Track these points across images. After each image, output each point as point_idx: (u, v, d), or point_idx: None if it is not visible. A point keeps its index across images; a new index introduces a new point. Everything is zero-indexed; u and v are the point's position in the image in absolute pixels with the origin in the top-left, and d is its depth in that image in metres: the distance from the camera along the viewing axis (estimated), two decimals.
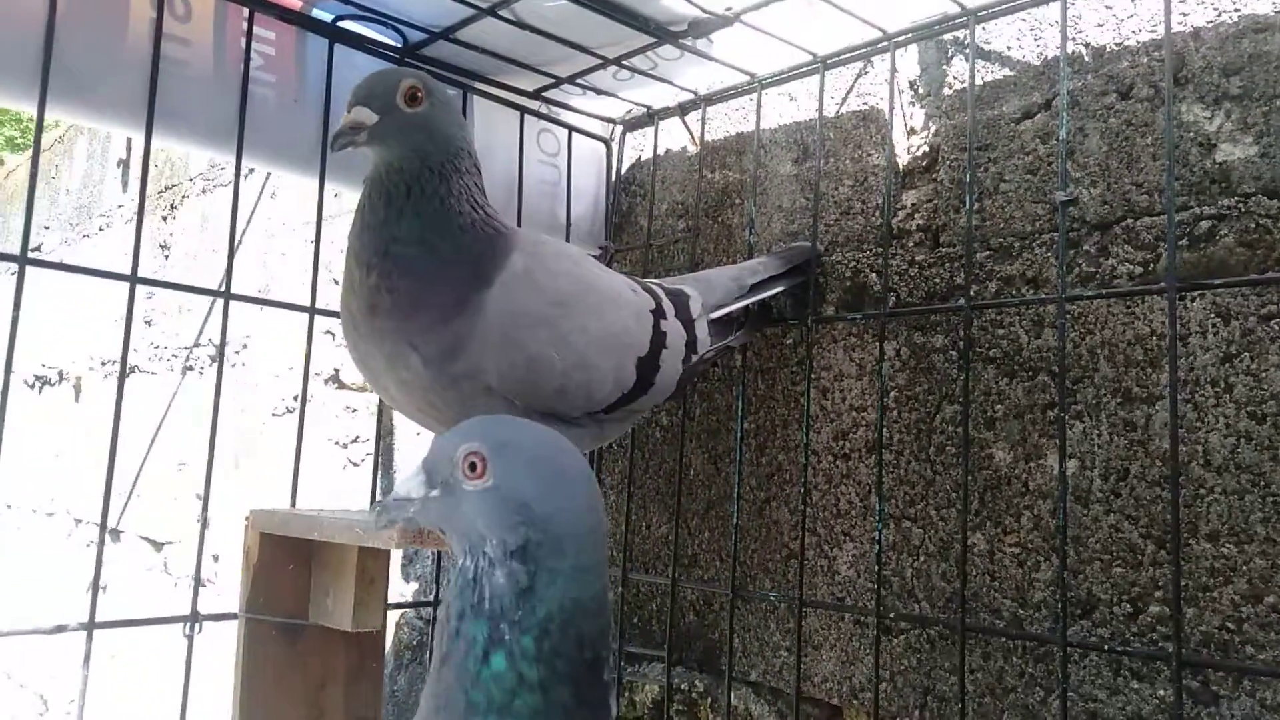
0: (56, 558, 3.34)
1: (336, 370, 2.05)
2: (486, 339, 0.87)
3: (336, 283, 1.08)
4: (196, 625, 1.04)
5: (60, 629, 0.95)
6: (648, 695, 1.40)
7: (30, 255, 0.93)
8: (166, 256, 3.04)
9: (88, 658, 0.95)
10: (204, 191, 2.86)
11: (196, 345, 2.77)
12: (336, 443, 2.03)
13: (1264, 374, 0.92)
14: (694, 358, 1.10)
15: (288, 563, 1.09)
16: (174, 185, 3.04)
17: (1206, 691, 0.92)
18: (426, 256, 0.87)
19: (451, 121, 0.92)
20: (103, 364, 3.29)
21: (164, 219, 3.06)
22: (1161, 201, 1.00)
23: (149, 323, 3.05)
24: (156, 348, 2.97)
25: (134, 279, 1.02)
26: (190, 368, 2.78)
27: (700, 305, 1.14)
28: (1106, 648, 0.97)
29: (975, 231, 1.14)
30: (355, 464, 1.97)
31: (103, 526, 1.03)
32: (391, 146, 0.88)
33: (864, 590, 1.18)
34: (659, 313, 1.05)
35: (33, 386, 3.81)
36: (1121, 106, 1.05)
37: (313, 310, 1.18)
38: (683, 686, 1.36)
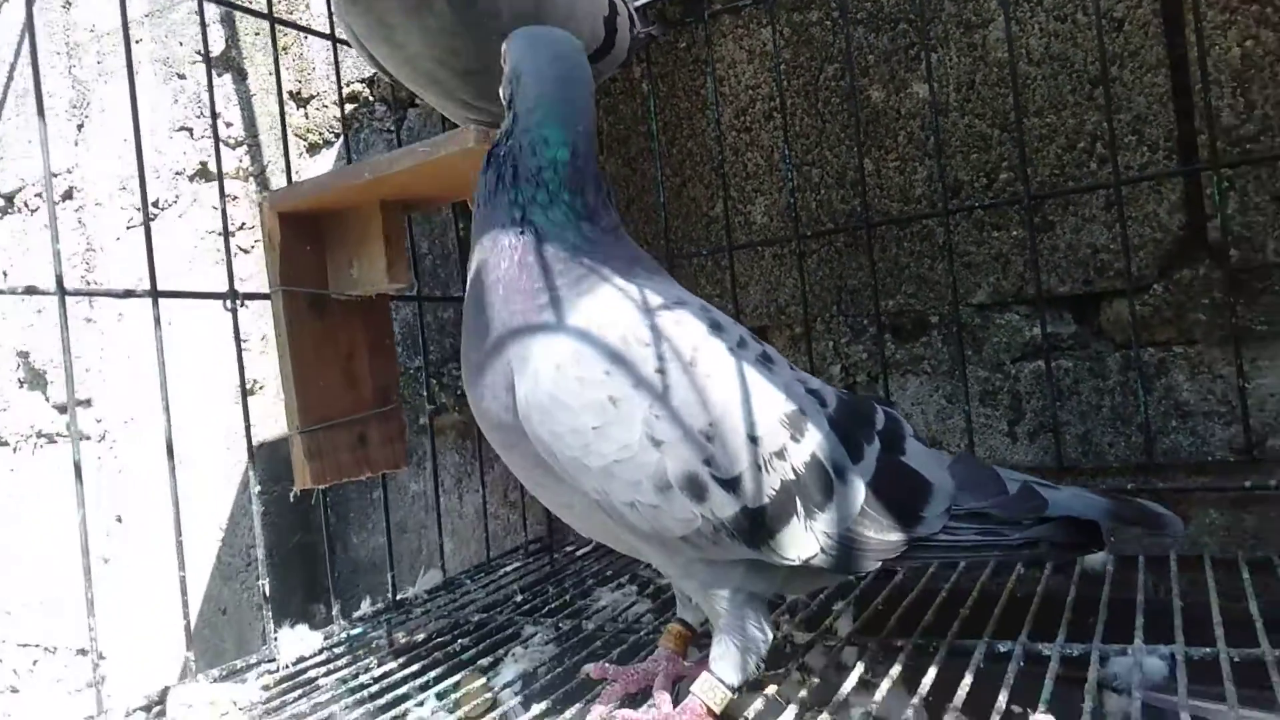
0: None
1: None
2: None
3: None
4: (238, 301, 1.13)
5: (129, 293, 1.02)
6: None
7: None
8: None
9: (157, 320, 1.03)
10: None
11: None
12: None
13: None
14: (634, 30, 1.29)
15: (305, 244, 1.19)
16: None
17: (1045, 223, 1.28)
18: None
19: None
20: None
21: None
22: None
23: None
24: None
25: None
26: None
27: None
28: (979, 205, 1.30)
29: None
30: None
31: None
32: None
33: (778, 232, 1.46)
34: None
35: None
36: None
37: None
38: None
